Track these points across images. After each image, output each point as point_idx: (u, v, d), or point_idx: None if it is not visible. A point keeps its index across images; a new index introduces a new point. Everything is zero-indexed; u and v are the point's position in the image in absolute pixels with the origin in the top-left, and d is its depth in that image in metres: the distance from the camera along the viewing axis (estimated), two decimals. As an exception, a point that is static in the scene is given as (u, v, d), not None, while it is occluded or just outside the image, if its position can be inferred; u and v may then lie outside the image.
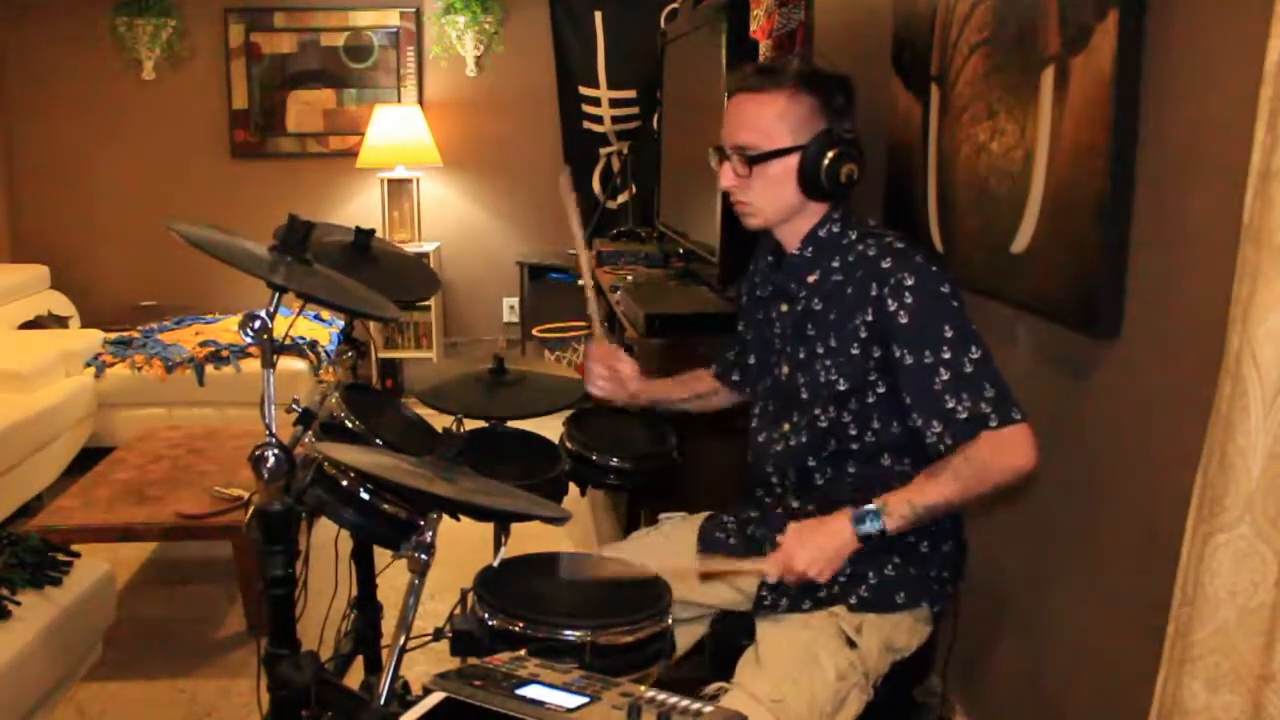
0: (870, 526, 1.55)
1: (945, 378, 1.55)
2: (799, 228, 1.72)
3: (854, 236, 1.69)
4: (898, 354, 1.58)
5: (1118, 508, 1.72)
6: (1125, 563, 1.70)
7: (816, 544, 1.57)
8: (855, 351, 1.64)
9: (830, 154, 1.63)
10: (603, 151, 5.45)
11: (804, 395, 1.71)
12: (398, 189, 5.43)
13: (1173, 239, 1.55)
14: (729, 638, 1.78)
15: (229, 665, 2.81)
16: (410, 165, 5.34)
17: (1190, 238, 1.51)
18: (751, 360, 1.90)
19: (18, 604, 2.09)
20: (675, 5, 4.92)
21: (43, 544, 2.28)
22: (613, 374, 1.97)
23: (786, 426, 1.76)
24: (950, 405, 1.54)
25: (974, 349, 1.56)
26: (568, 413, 2.21)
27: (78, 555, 2.33)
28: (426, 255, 5.27)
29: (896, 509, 1.56)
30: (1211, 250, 1.43)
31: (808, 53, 3.43)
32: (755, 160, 1.65)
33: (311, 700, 1.61)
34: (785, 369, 1.75)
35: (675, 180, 3.86)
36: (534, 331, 5.27)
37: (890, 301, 1.58)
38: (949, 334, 1.56)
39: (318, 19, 5.49)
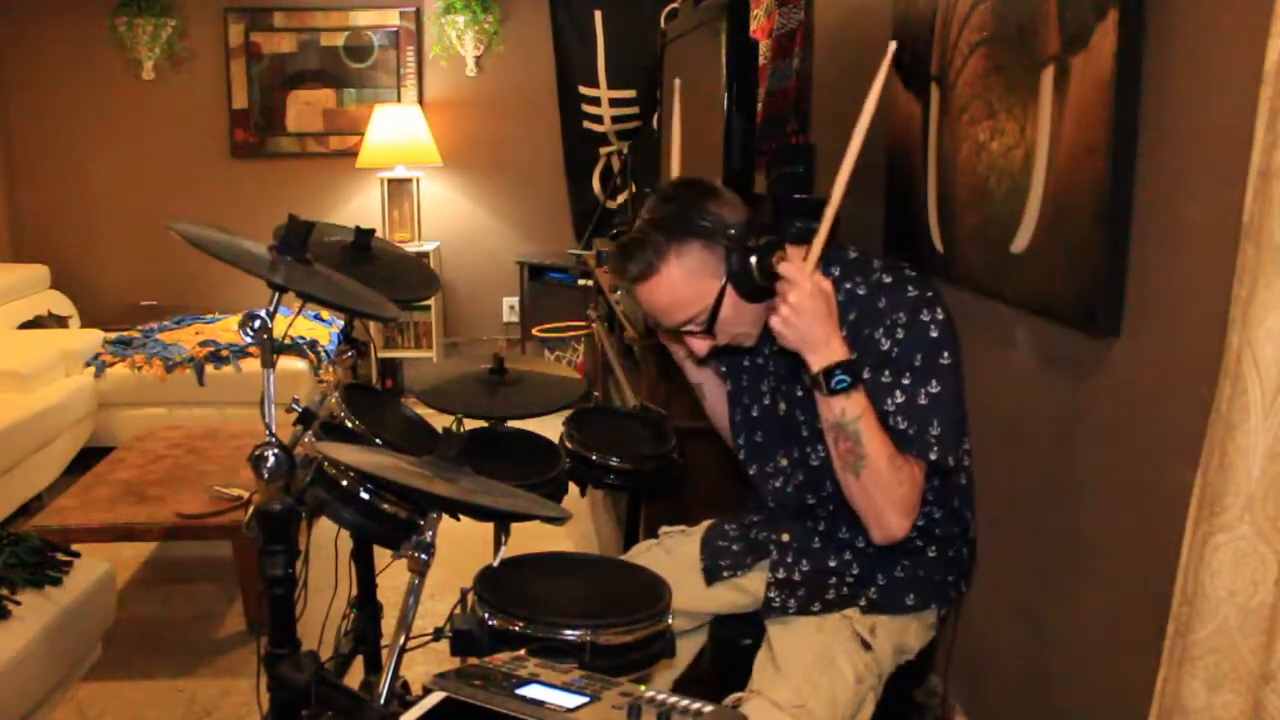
0: (837, 384, 1.49)
1: (899, 400, 1.54)
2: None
3: (836, 274, 1.63)
4: (866, 374, 1.55)
5: (1118, 508, 1.72)
6: (1125, 563, 1.70)
7: (811, 326, 1.49)
8: None
9: (751, 263, 1.54)
10: (603, 151, 5.45)
11: (804, 432, 1.70)
12: (398, 189, 5.43)
13: (1173, 239, 1.55)
14: (730, 639, 1.79)
15: (229, 665, 2.81)
16: (410, 165, 5.34)
17: (1190, 238, 1.51)
18: (743, 381, 1.84)
19: (18, 604, 2.09)
20: (675, 5, 4.92)
21: (43, 544, 2.28)
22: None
23: (784, 462, 1.76)
24: (893, 423, 1.54)
25: (934, 383, 1.54)
26: (568, 413, 2.21)
27: (78, 555, 2.33)
28: (426, 255, 5.27)
29: (855, 403, 1.50)
30: (1211, 250, 1.43)
31: (807, 53, 3.44)
32: (708, 325, 1.60)
33: (311, 700, 1.61)
34: (783, 405, 1.73)
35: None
36: (534, 331, 5.27)
37: (884, 340, 1.57)
38: (917, 363, 1.54)
39: (318, 19, 5.49)
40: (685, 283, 1.57)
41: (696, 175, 1.68)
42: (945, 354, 1.56)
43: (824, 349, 1.50)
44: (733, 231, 1.55)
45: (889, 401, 1.54)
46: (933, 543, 1.69)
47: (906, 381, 1.54)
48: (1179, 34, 1.53)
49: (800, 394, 1.68)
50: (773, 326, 1.51)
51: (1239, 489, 1.17)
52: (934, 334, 1.56)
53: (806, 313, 1.49)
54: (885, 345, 1.56)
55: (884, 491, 1.53)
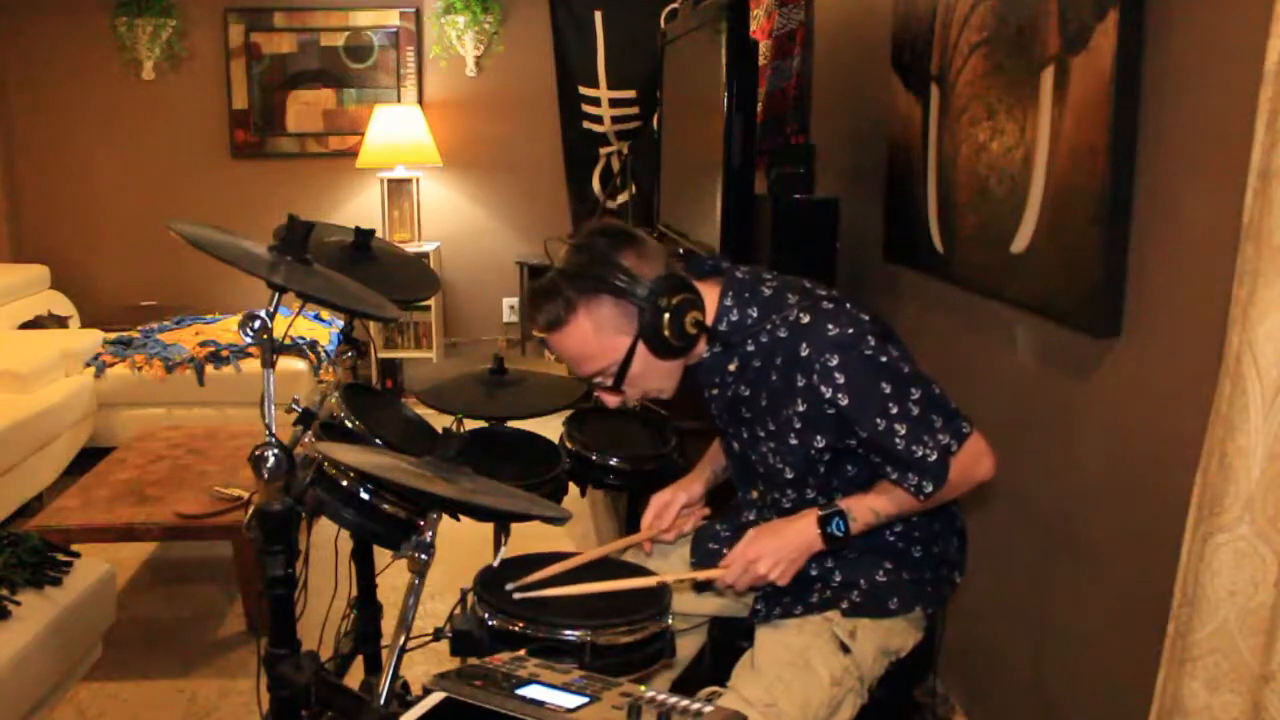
0: (835, 530, 1.56)
1: (903, 432, 1.51)
2: (699, 349, 1.63)
3: (755, 314, 1.60)
4: (852, 428, 1.55)
5: (1118, 508, 1.72)
6: (1125, 563, 1.70)
7: (780, 542, 1.58)
8: (794, 442, 1.60)
9: (664, 321, 1.52)
10: (603, 151, 5.45)
11: (760, 470, 1.69)
12: (398, 189, 5.43)
13: (1173, 239, 1.55)
14: (728, 641, 1.78)
15: (229, 665, 2.81)
16: (410, 165, 5.34)
17: (1190, 238, 1.51)
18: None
19: (18, 604, 2.09)
20: (675, 5, 4.92)
21: (43, 544, 2.28)
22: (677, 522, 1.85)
23: (755, 494, 1.75)
24: (919, 454, 1.52)
25: (914, 390, 1.52)
26: (568, 413, 2.21)
27: (78, 555, 2.33)
28: (426, 255, 5.27)
29: (862, 516, 1.57)
30: (1211, 250, 1.43)
31: (807, 53, 3.44)
32: (618, 379, 1.60)
33: (311, 700, 1.61)
34: (736, 445, 1.72)
35: (675, 180, 3.86)
36: (534, 331, 5.27)
37: (824, 388, 1.52)
38: (887, 390, 1.51)
39: (318, 19, 5.49)
40: (594, 337, 1.56)
41: (615, 222, 1.66)
42: (902, 364, 1.54)
43: (808, 537, 1.57)
44: (643, 291, 1.51)
45: (897, 439, 1.52)
46: (916, 543, 1.68)
47: (895, 411, 1.51)
48: (1179, 34, 1.53)
49: (746, 436, 1.68)
50: (781, 582, 1.58)
51: (1239, 489, 1.17)
52: (882, 359, 1.52)
53: (772, 557, 1.56)
54: (829, 394, 1.52)
55: (951, 494, 1.58)
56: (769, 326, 1.58)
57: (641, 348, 1.56)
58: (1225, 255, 1.25)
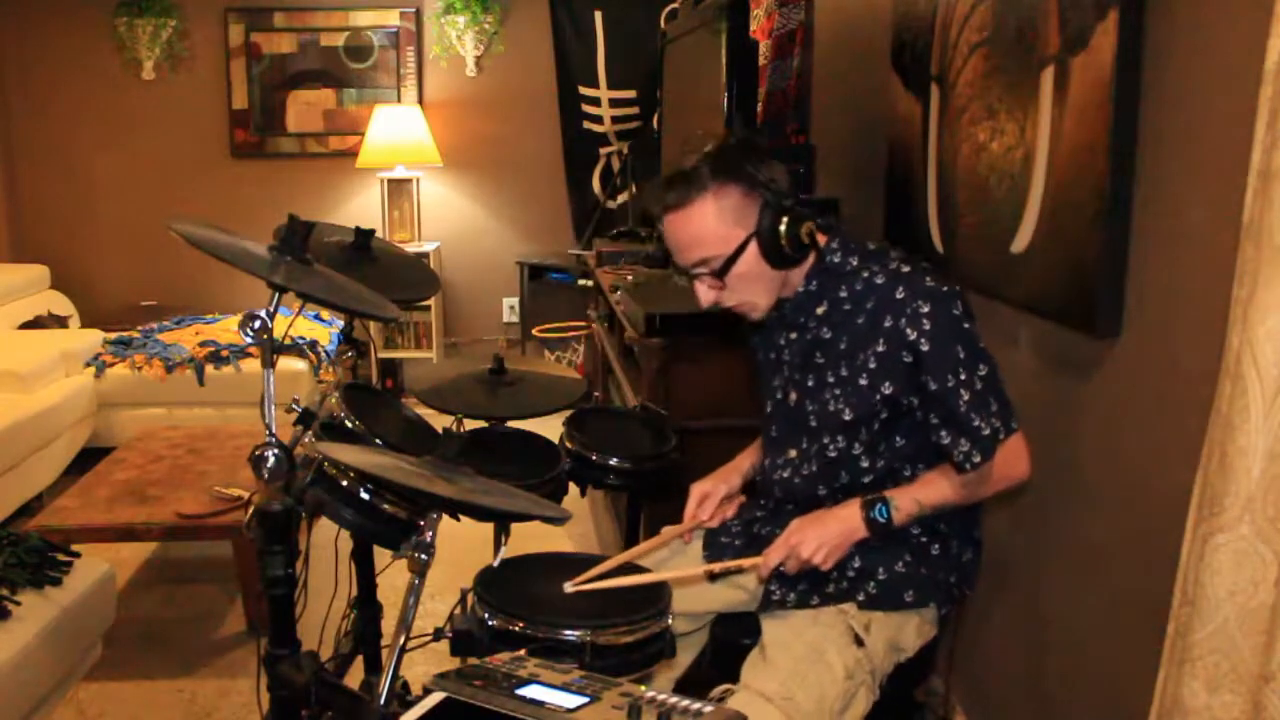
0: (879, 515, 1.61)
1: (966, 398, 1.58)
2: (796, 279, 1.70)
3: (855, 263, 1.68)
4: (922, 379, 1.60)
5: (1118, 508, 1.72)
6: (1125, 563, 1.70)
7: (823, 528, 1.62)
8: (863, 383, 1.65)
9: (783, 224, 1.60)
10: (603, 151, 5.45)
11: (812, 423, 1.72)
12: (398, 189, 5.43)
13: (1173, 239, 1.55)
14: (731, 639, 1.78)
15: (229, 665, 2.81)
16: (410, 165, 5.34)
17: (1190, 238, 1.51)
18: (766, 379, 1.87)
19: (18, 604, 2.08)
20: (675, 5, 4.92)
21: (43, 544, 2.27)
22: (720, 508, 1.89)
23: (793, 453, 1.76)
24: (976, 423, 1.58)
25: (982, 366, 1.59)
26: (568, 413, 2.21)
27: (78, 555, 2.33)
28: (426, 255, 5.27)
29: (905, 506, 1.62)
30: (1211, 250, 1.43)
31: (807, 53, 3.44)
32: (721, 270, 1.64)
33: (311, 700, 1.61)
34: (794, 395, 1.75)
35: (675, 180, 3.86)
36: (534, 331, 5.28)
37: (910, 331, 1.59)
38: (962, 355, 1.58)
39: (318, 19, 5.49)
40: (715, 221, 1.61)
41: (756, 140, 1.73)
42: (979, 340, 1.61)
43: (851, 524, 1.62)
44: (774, 188, 1.60)
45: (961, 401, 1.58)
46: (936, 539, 1.69)
47: (964, 377, 1.58)
48: (1179, 34, 1.53)
49: (811, 384, 1.71)
50: (825, 566, 1.62)
51: (1239, 489, 1.18)
52: (965, 325, 1.60)
53: (816, 541, 1.60)
54: (912, 336, 1.59)
55: (989, 488, 1.64)
56: (866, 274, 1.65)
57: (753, 248, 1.62)
58: (1225, 255, 1.25)
